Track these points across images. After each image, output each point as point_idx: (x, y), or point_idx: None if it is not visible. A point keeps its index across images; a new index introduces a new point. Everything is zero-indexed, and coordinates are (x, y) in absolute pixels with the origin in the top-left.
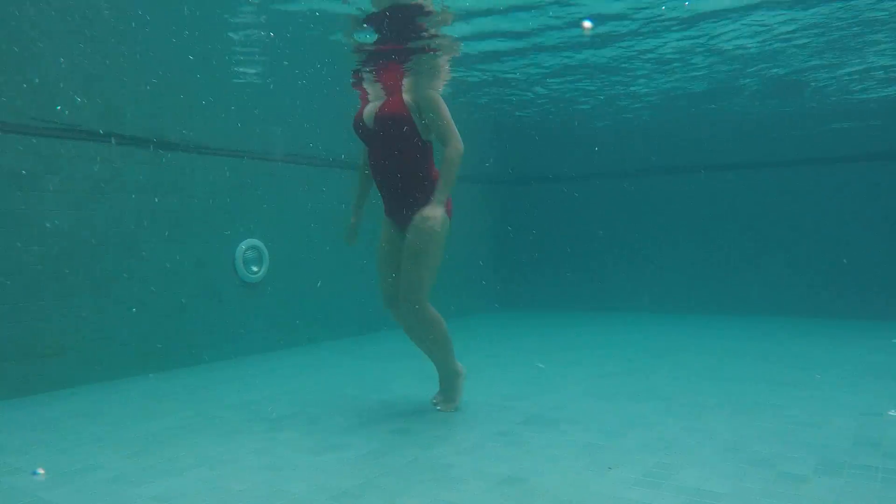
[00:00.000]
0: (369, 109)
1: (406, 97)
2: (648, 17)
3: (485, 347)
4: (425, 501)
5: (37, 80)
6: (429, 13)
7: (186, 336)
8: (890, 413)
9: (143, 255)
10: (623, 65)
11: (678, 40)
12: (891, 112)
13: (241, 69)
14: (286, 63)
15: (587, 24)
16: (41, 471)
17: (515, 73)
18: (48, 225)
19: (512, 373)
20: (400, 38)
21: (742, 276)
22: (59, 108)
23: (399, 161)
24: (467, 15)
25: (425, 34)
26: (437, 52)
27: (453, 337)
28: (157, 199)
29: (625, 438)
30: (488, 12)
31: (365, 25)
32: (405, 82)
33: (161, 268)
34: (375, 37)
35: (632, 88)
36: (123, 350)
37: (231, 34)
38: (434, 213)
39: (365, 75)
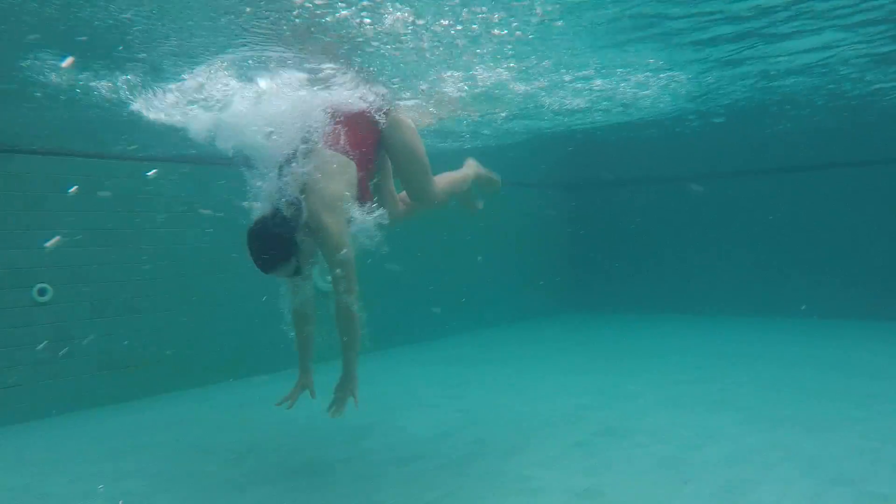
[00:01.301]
0: None
1: None
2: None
3: (559, 353)
4: None
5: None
6: None
7: (270, 344)
8: None
9: (231, 269)
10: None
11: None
12: None
13: None
14: None
15: None
16: None
17: None
18: (148, 243)
19: (586, 380)
20: None
21: (818, 279)
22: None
23: None
24: None
25: None
26: None
27: (524, 333)
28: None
29: (701, 451)
30: None
31: None
32: None
33: (250, 280)
34: None
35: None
36: (215, 358)
37: None
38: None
39: None
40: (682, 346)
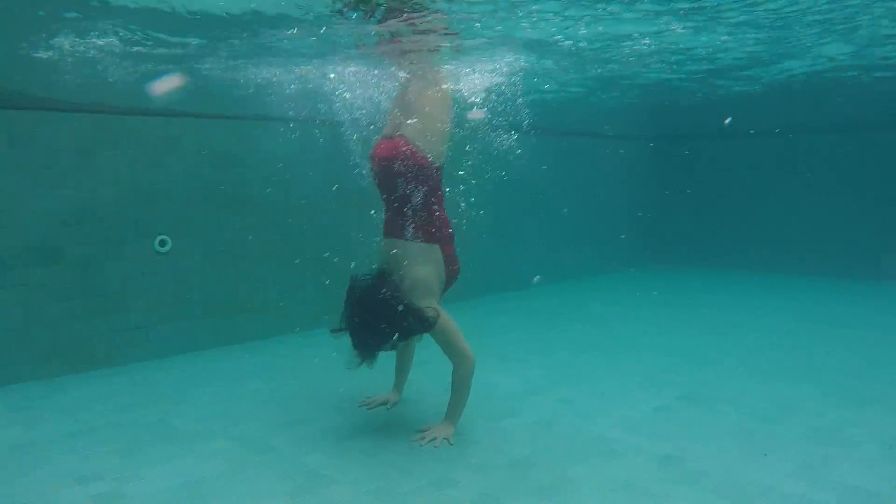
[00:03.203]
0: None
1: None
2: None
3: (641, 309)
4: (594, 474)
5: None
6: None
7: None
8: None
9: (327, 224)
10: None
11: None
12: None
13: None
14: None
15: None
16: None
17: None
18: (248, 198)
19: (668, 340)
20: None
21: None
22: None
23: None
24: None
25: None
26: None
27: (607, 288)
28: (336, 172)
29: (780, 424)
30: None
31: None
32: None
33: (341, 234)
34: None
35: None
36: (317, 305)
37: None
38: (444, 432)
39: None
40: (767, 307)
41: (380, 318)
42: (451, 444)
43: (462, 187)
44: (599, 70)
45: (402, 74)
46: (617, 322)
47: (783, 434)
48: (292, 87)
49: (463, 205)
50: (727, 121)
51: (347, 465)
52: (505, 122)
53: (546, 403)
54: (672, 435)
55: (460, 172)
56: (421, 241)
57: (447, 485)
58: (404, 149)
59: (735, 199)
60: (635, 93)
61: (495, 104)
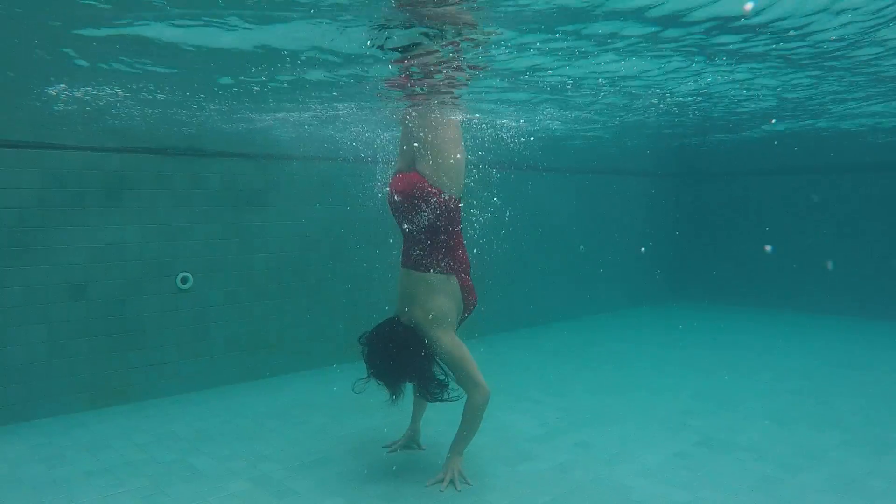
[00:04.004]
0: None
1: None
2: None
3: (660, 348)
4: None
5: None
6: None
7: None
8: None
9: (347, 259)
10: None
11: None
12: None
13: None
14: None
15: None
16: None
17: None
18: (270, 235)
19: (688, 382)
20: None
21: None
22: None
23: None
24: None
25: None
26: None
27: (626, 325)
28: (348, 208)
29: (802, 474)
30: None
31: None
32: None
33: (360, 268)
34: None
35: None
36: (335, 341)
37: None
38: (456, 467)
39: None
40: (789, 349)
41: (396, 356)
42: (469, 483)
43: (481, 223)
44: (624, 118)
45: (411, 112)
46: (635, 360)
47: (802, 484)
48: (309, 126)
49: (482, 240)
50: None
51: None
52: (524, 161)
53: (564, 447)
54: (691, 484)
55: (476, 210)
56: (439, 273)
57: None
58: (419, 184)
59: (756, 237)
60: (657, 134)
61: (513, 143)
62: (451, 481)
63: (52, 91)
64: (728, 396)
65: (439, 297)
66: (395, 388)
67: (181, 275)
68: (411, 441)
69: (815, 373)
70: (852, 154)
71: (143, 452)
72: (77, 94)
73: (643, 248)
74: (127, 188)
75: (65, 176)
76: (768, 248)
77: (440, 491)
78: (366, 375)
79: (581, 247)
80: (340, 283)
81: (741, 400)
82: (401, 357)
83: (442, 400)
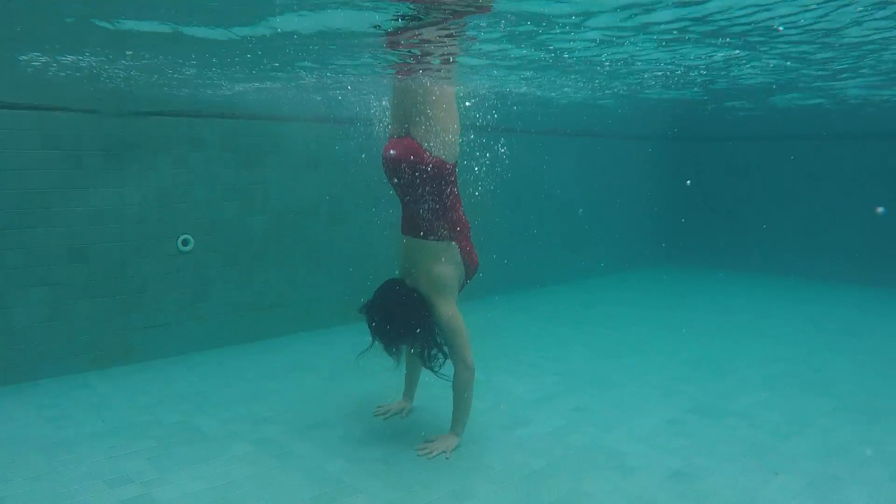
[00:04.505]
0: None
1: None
2: None
3: (656, 312)
4: (607, 488)
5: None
6: None
7: None
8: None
9: (346, 221)
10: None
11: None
12: None
13: None
14: None
15: None
16: None
17: None
18: (270, 198)
19: (682, 347)
20: None
21: None
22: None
23: (423, 198)
24: None
25: None
26: None
27: (623, 288)
28: (348, 170)
29: (791, 440)
30: None
31: None
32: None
33: (358, 230)
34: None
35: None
36: (332, 303)
37: None
38: (448, 444)
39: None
40: (785, 314)
41: (399, 317)
42: (448, 458)
43: (480, 187)
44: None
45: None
46: (631, 324)
47: (793, 451)
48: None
49: (481, 201)
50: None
51: (366, 474)
52: (522, 124)
53: (560, 412)
54: (684, 450)
55: (477, 172)
56: (438, 240)
57: (465, 497)
58: (413, 150)
59: (756, 202)
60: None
61: (512, 107)
62: (441, 452)
63: (24, 57)
64: (722, 362)
65: (440, 265)
66: (393, 350)
67: (182, 237)
68: (403, 410)
69: (811, 339)
70: (855, 122)
71: (147, 413)
72: (51, 62)
73: (641, 214)
74: (126, 150)
75: (63, 138)
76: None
77: (422, 457)
78: (369, 345)
79: (580, 210)
80: (339, 245)
81: (735, 366)
82: (403, 316)
83: (435, 369)
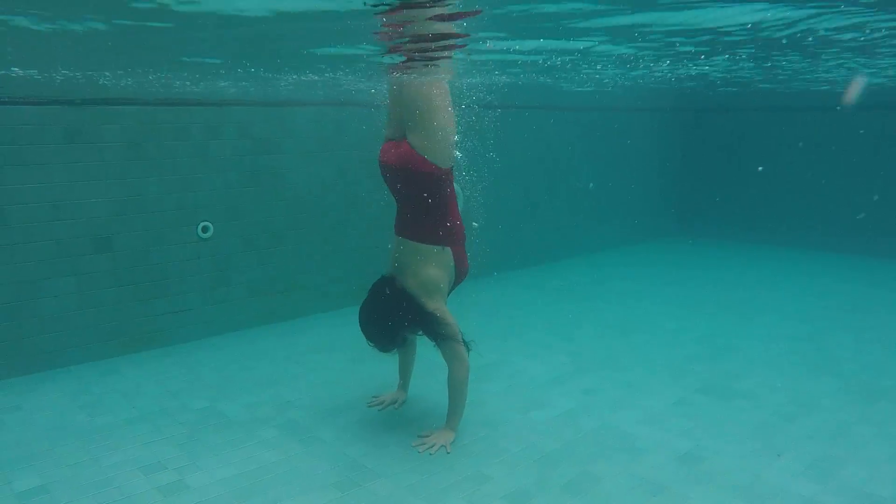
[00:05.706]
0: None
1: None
2: None
3: (667, 288)
4: (617, 471)
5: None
6: None
7: None
8: None
9: (361, 203)
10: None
11: None
12: None
13: None
14: None
15: None
16: None
17: None
18: (286, 183)
19: (692, 325)
20: None
21: None
22: None
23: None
24: None
25: None
26: None
27: (633, 262)
28: (362, 153)
29: (796, 422)
30: None
31: None
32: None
33: (373, 212)
34: None
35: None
36: (347, 285)
37: None
38: (444, 439)
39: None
40: (793, 288)
41: (387, 316)
42: (449, 452)
43: (488, 162)
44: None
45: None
46: (640, 300)
47: (797, 432)
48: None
49: (491, 179)
50: None
51: (387, 458)
52: (532, 99)
53: (572, 394)
54: (692, 431)
55: (484, 150)
56: (432, 244)
57: (482, 480)
58: (409, 156)
59: (764, 173)
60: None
61: (519, 81)
62: (431, 447)
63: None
64: (729, 341)
65: (431, 268)
66: (387, 348)
67: (202, 224)
68: (396, 402)
69: (817, 315)
70: (867, 92)
71: (175, 399)
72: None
73: (637, 186)
74: (146, 140)
75: (85, 132)
76: None
77: (418, 453)
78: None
79: (591, 184)
80: (355, 227)
81: (741, 345)
82: (395, 320)
83: (444, 335)
